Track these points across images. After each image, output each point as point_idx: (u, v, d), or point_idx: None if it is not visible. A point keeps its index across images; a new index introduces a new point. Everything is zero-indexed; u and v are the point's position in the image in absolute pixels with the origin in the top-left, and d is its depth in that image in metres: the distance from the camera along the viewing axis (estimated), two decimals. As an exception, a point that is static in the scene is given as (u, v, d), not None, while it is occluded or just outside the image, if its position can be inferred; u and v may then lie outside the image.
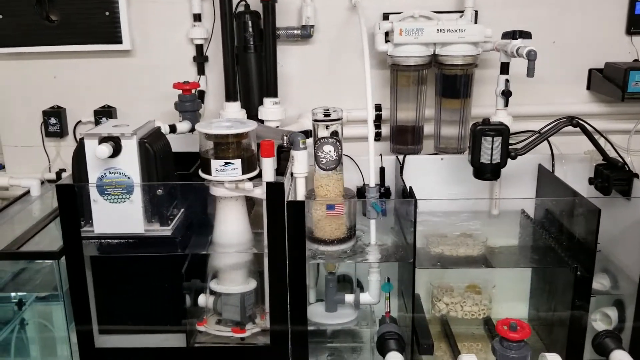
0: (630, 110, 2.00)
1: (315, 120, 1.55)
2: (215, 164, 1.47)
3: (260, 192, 1.48)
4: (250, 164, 1.50)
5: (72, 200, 1.45)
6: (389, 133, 1.96)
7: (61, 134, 2.04)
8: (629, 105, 1.97)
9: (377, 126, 2.01)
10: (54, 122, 2.03)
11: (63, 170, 2.08)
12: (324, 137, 1.54)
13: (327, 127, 1.54)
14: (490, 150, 1.59)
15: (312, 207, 1.57)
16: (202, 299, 1.62)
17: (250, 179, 1.50)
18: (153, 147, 1.46)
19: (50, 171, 2.09)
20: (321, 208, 1.56)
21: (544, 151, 1.81)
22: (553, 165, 1.82)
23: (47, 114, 2.03)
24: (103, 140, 1.40)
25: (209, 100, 2.03)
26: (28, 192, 1.99)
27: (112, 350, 1.57)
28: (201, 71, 1.99)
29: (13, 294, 1.69)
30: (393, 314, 1.67)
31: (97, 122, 1.99)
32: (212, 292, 1.62)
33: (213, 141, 1.49)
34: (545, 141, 1.72)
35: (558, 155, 1.84)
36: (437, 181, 1.87)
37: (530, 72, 1.57)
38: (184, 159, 1.65)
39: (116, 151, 1.41)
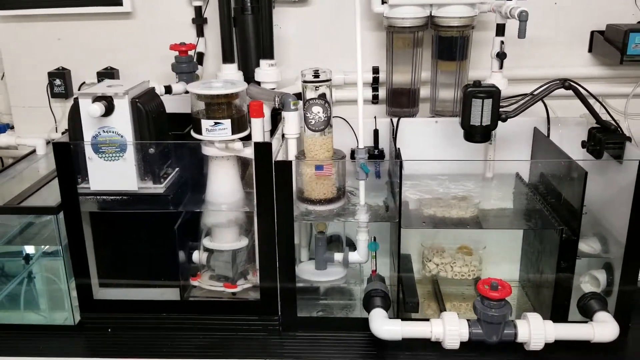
0: (630, 74, 1.97)
1: (304, 82, 1.56)
2: (206, 124, 1.50)
3: (249, 152, 1.51)
4: (240, 125, 1.53)
5: (68, 157, 1.51)
6: (385, 96, 1.96)
7: (66, 95, 2.09)
8: (629, 68, 1.93)
9: (375, 89, 2.01)
10: (59, 83, 2.08)
11: (69, 130, 2.13)
12: (313, 99, 1.56)
13: (315, 88, 1.55)
14: (480, 113, 1.59)
15: (301, 167, 1.60)
16: (196, 255, 1.68)
17: (241, 139, 1.53)
18: (145, 106, 1.49)
19: (56, 131, 2.15)
20: (310, 168, 1.59)
21: (540, 114, 1.80)
22: (548, 129, 1.81)
23: (52, 76, 2.08)
24: (96, 99, 1.44)
25: (208, 62, 2.05)
26: (34, 151, 2.05)
27: (111, 302, 1.64)
28: (200, 33, 2.01)
29: (21, 248, 1.76)
30: (384, 273, 1.70)
31: (99, 83, 2.03)
32: (206, 249, 1.67)
33: (204, 101, 1.52)
34: (542, 104, 1.72)
35: (554, 118, 1.82)
36: (431, 144, 1.87)
37: (521, 33, 1.56)
38: (180, 119, 1.67)
39: (109, 110, 1.45)
